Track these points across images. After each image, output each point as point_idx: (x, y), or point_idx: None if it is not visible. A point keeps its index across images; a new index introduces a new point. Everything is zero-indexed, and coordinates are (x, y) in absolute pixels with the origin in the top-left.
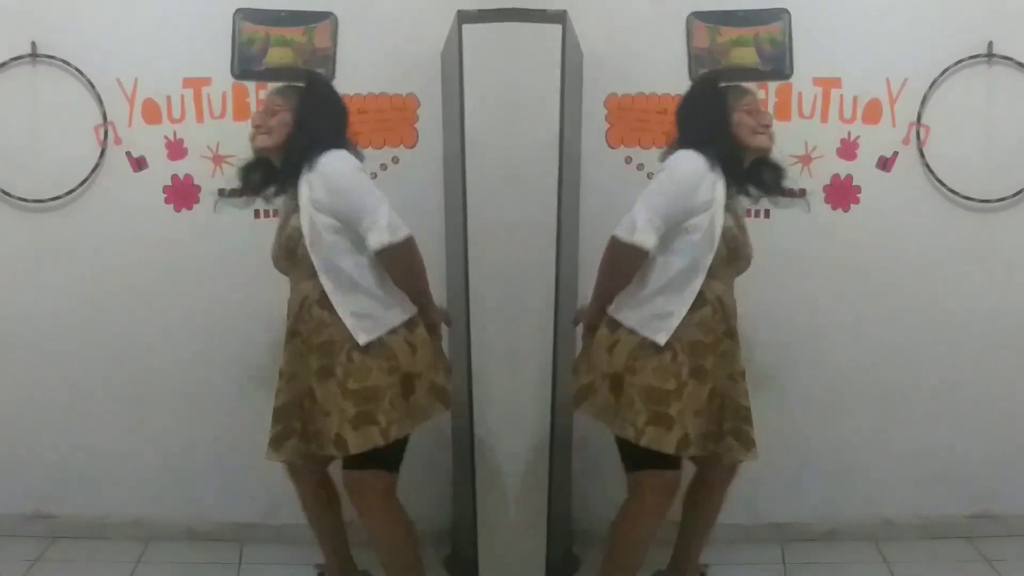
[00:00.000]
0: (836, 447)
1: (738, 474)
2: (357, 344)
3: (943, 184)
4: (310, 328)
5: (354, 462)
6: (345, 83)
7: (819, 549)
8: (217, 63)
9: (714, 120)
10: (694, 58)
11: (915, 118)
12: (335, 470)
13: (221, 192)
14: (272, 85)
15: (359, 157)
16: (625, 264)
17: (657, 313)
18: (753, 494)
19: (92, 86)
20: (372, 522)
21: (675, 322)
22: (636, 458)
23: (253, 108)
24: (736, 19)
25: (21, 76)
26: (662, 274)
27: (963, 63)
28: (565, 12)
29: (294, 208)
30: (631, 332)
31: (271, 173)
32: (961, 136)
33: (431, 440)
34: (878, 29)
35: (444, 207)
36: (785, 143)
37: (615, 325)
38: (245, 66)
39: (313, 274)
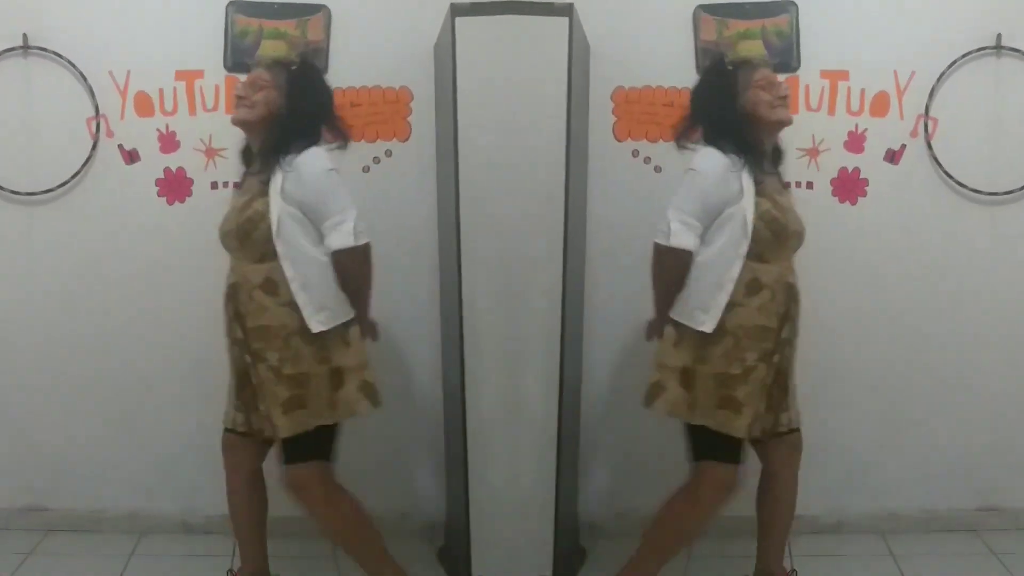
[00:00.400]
0: (843, 440)
1: (744, 465)
2: (295, 331)
3: (951, 177)
4: (248, 310)
5: (293, 456)
6: (338, 76)
7: (825, 542)
8: (210, 56)
9: (727, 108)
10: (701, 51)
11: (923, 111)
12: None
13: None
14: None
15: (344, 139)
16: (672, 267)
17: (700, 305)
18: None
19: (84, 78)
20: (320, 512)
21: (718, 312)
22: (701, 449)
23: None
24: (743, 12)
25: (13, 68)
26: (701, 267)
27: (971, 55)
28: (572, 5)
29: (260, 192)
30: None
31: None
32: (969, 129)
33: (425, 433)
34: (885, 21)
35: (437, 201)
36: (792, 136)
37: (677, 322)
38: (238, 59)
39: (261, 259)
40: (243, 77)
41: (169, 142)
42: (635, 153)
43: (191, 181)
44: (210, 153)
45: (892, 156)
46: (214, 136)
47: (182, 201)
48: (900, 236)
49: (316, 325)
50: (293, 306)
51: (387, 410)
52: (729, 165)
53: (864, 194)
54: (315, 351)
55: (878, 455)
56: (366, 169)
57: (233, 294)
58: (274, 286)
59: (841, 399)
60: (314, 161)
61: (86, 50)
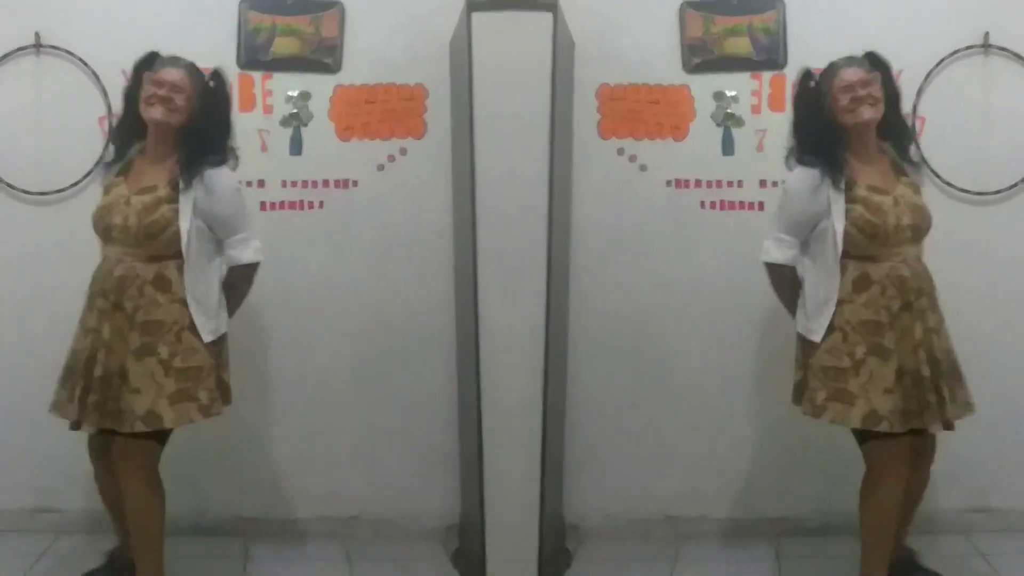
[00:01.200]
0: (830, 441)
1: (732, 467)
2: (186, 327)
3: (938, 176)
4: (137, 305)
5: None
6: (352, 73)
7: (813, 543)
8: (223, 53)
9: (815, 123)
10: (687, 48)
11: (911, 110)
12: None
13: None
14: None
15: (236, 164)
16: (777, 283)
17: (812, 317)
18: (747, 488)
19: (96, 77)
20: (132, 488)
21: (824, 319)
22: (861, 433)
23: (259, 99)
24: (730, 8)
25: (25, 67)
26: (809, 283)
27: (959, 54)
28: (556, 0)
29: (168, 197)
30: None
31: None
32: (957, 128)
33: (440, 435)
34: (873, 19)
35: (452, 198)
36: (779, 134)
37: None
38: (251, 56)
39: (156, 259)
40: (256, 74)
41: None
42: (620, 151)
43: None
44: None
45: None
46: None
47: None
48: None
49: (207, 335)
50: (184, 303)
51: (401, 411)
52: (814, 178)
53: None
54: (206, 347)
55: None
56: (381, 167)
57: (119, 287)
58: (167, 283)
59: None
60: (226, 178)
61: (98, 48)
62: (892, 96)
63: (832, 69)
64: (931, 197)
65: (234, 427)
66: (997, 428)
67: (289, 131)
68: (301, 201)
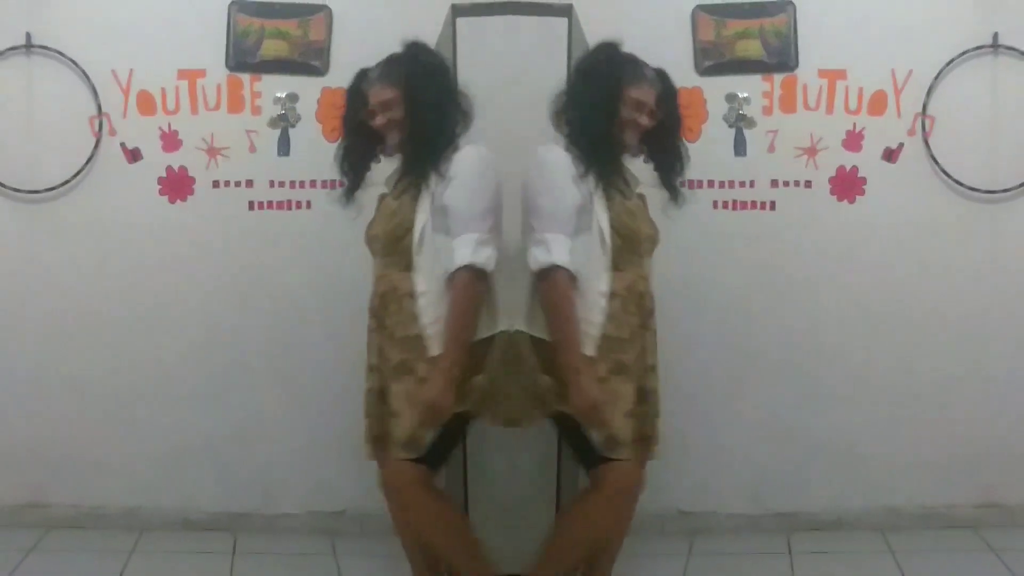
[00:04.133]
0: (842, 437)
1: (745, 463)
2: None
3: (948, 175)
4: (397, 322)
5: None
6: (339, 75)
7: (825, 538)
8: (212, 55)
9: (591, 110)
10: (699, 50)
11: (920, 109)
12: None
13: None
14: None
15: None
16: (557, 290)
17: None
18: (759, 484)
19: (87, 77)
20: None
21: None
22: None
23: (248, 100)
24: (741, 11)
25: (16, 67)
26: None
27: (968, 54)
28: (571, 5)
29: (414, 196)
30: None
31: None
32: (966, 127)
33: None
34: (883, 20)
35: None
36: (791, 135)
37: None
38: (240, 58)
39: (407, 267)
40: (244, 76)
41: (171, 141)
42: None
43: (193, 180)
44: (212, 152)
45: (890, 155)
46: (216, 135)
47: (184, 200)
48: (898, 234)
49: (435, 348)
50: None
51: None
52: (580, 168)
53: (862, 192)
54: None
55: (878, 451)
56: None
57: (376, 303)
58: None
59: (840, 395)
60: (463, 159)
61: (89, 49)
62: (674, 121)
63: (624, 80)
64: (941, 195)
65: (221, 423)
66: (1007, 423)
67: (277, 132)
68: (289, 201)
